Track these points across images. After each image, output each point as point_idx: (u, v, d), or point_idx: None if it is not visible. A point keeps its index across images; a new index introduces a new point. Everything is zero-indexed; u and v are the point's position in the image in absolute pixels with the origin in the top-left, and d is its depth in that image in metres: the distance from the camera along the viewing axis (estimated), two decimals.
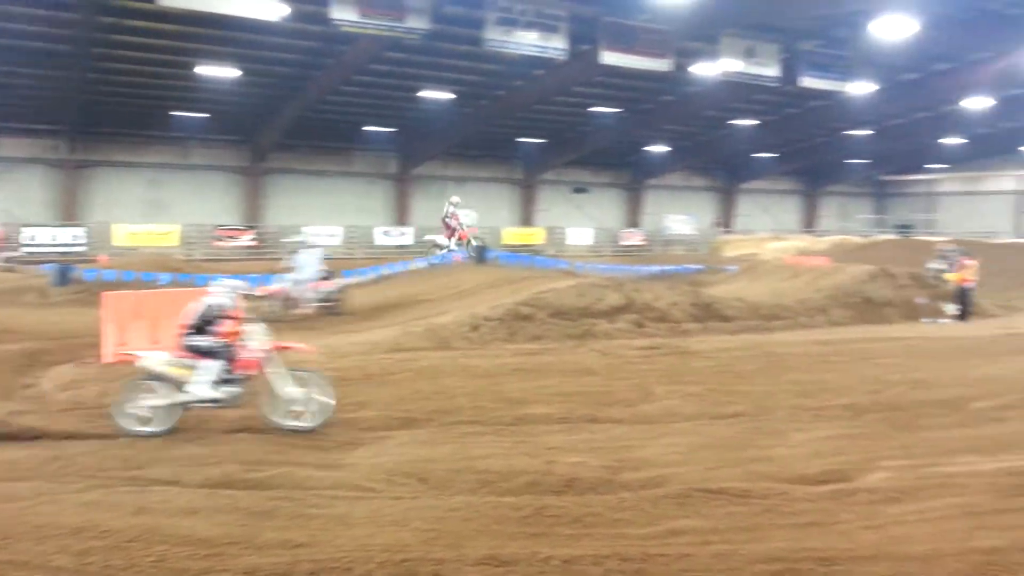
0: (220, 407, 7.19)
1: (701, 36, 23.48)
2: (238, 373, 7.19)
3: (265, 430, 7.16)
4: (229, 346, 7.19)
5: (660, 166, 41.78)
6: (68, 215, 30.22)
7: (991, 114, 34.06)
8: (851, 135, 38.72)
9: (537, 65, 25.40)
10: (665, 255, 36.50)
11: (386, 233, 35.80)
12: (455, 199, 20.77)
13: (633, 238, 41.58)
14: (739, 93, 28.68)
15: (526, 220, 40.09)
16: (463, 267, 19.20)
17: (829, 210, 49.40)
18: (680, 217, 44.28)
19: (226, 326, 7.20)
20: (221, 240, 32.20)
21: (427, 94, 28.83)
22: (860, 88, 27.49)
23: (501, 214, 39.66)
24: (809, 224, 47.58)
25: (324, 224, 33.99)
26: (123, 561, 4.29)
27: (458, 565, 4.50)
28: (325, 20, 19.38)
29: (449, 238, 20.28)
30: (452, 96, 29.16)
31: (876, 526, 5.11)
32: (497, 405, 8.16)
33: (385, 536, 4.88)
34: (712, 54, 23.79)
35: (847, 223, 47.46)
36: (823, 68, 24.88)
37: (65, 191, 30.43)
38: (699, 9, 20.22)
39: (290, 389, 7.18)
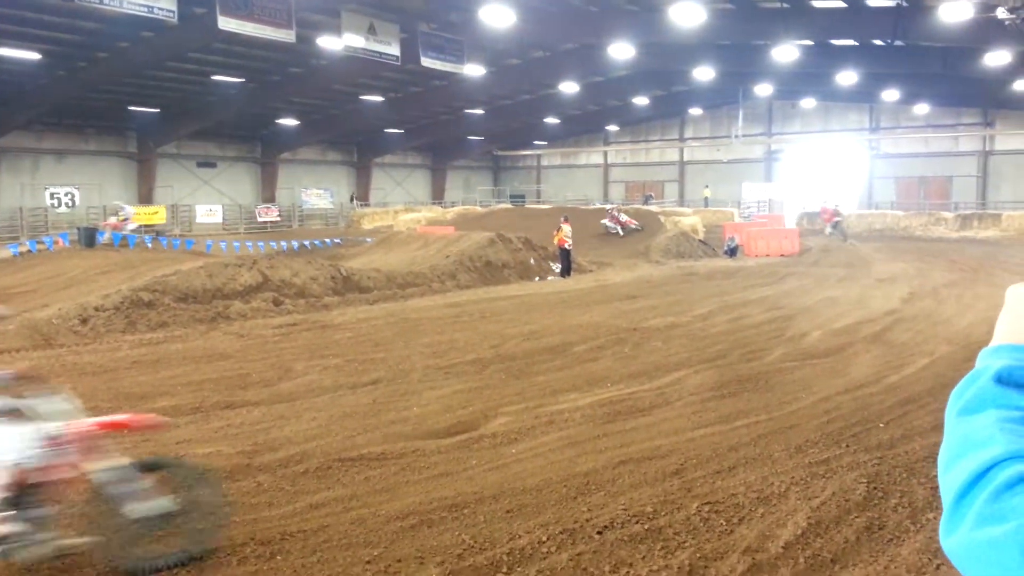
0: None
1: (322, 9, 23.27)
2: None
3: None
4: None
5: (293, 140, 40.83)
6: None
7: (579, 98, 39.40)
8: (469, 113, 41.83)
9: (145, 26, 22.94)
10: (303, 230, 35.97)
11: None
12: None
13: (269, 214, 40.20)
14: (365, 69, 29.07)
15: (145, 197, 36.29)
16: (67, 253, 16.82)
17: (454, 183, 52.94)
18: (317, 191, 43.90)
19: None
20: None
21: (6, 52, 24.33)
22: (474, 70, 29.72)
23: (114, 191, 35.36)
24: (438, 196, 50.49)
25: None
26: None
27: None
28: None
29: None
30: (39, 57, 25.03)
31: (498, 467, 5.69)
32: (115, 404, 7.32)
33: None
34: (335, 28, 23.74)
35: (470, 194, 51.39)
36: (441, 50, 26.30)
37: None
38: None
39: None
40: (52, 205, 32.93)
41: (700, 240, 26.63)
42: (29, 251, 17.58)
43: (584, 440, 6.22)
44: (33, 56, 24.92)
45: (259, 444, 6.25)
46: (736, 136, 41.16)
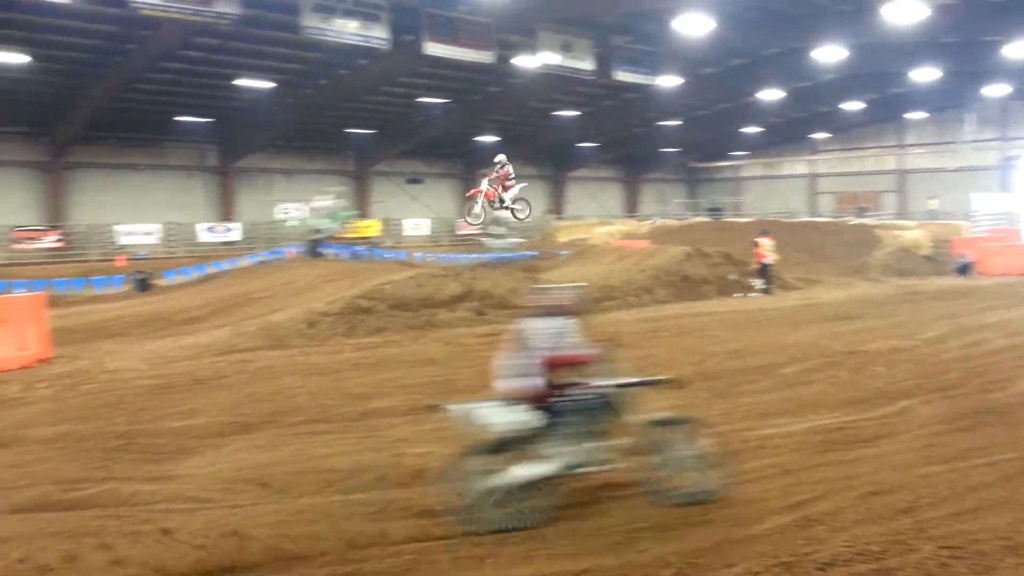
0: None
1: (519, 29, 24.05)
2: None
3: (86, 447, 6.60)
4: None
5: (491, 156, 42.34)
6: None
7: (783, 105, 37.54)
8: (663, 125, 41.24)
9: (361, 54, 24.95)
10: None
11: (211, 230, 33.85)
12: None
13: (470, 227, 41.99)
14: (560, 85, 29.66)
15: (362, 212, 39.38)
16: (297, 262, 18.59)
17: (648, 195, 52.34)
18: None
19: None
20: (20, 242, 29.09)
21: (245, 82, 27.48)
22: (668, 81, 29.29)
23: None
24: (631, 209, 50.18)
25: (138, 221, 31.61)
26: None
27: (305, 570, 4.37)
28: (122, 2, 17.89)
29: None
30: (273, 85, 28.00)
31: None
32: (340, 402, 7.98)
33: (224, 547, 4.63)
34: (532, 47, 24.44)
35: (665, 207, 50.54)
36: (634, 62, 26.24)
37: None
38: (515, 2, 20.76)
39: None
40: (283, 220, 36.62)
41: (925, 256, 24.30)
42: (265, 261, 19.64)
43: (799, 469, 5.85)
44: (269, 85, 27.90)
45: None
46: (964, 142, 37.22)
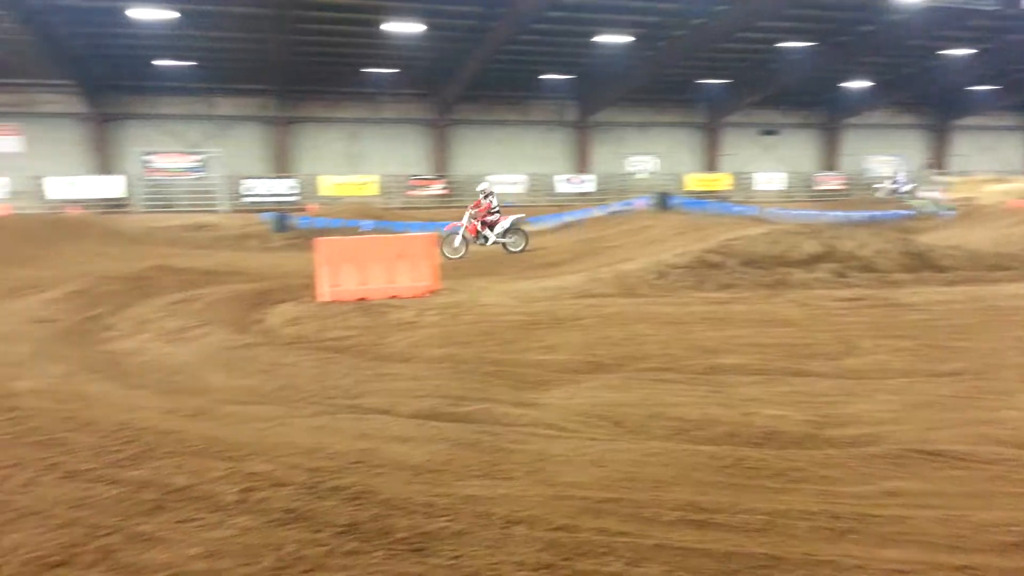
0: None
1: None
2: None
3: (466, 369, 7.56)
4: None
5: (860, 103, 38.54)
6: (281, 168, 33.09)
7: None
8: None
9: (717, 1, 24.10)
10: (866, 199, 33.85)
11: (568, 181, 36.02)
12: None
13: (830, 182, 38.94)
14: (951, 19, 25.69)
15: (710, 165, 38.66)
16: (647, 214, 18.96)
17: None
18: (884, 158, 40.80)
19: None
20: (415, 189, 34.09)
21: (604, 39, 28.29)
22: None
23: (683, 159, 38.56)
24: None
25: (506, 172, 34.78)
26: (352, 480, 4.70)
27: (658, 509, 4.48)
28: None
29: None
30: (630, 39, 28.42)
31: None
32: (688, 353, 8.02)
33: (583, 475, 4.96)
34: None
35: None
36: None
37: (277, 145, 33.28)
38: None
39: None
40: (633, 172, 37.55)
41: None
42: (617, 212, 20.36)
43: None
44: (626, 39, 28.38)
45: (825, 416, 6.12)
46: None
